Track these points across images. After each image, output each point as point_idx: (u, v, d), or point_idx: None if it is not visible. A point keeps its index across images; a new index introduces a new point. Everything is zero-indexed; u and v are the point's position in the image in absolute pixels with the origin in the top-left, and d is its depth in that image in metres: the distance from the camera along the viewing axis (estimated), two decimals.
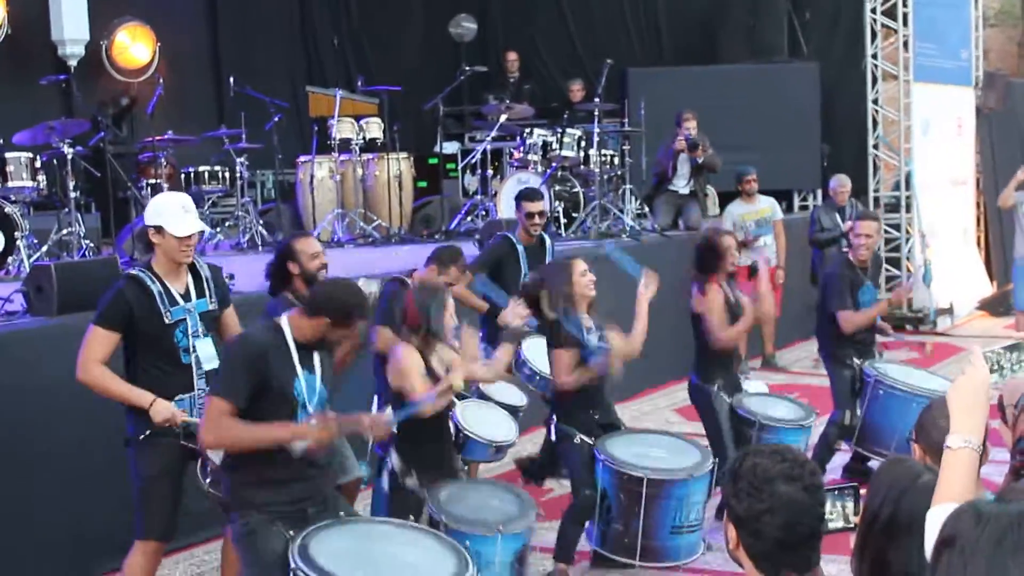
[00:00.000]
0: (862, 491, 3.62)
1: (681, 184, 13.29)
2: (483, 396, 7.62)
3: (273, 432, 5.09)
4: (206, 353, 5.97)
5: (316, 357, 5.30)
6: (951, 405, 3.18)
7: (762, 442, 7.18)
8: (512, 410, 7.57)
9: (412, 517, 5.57)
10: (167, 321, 5.89)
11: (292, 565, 4.74)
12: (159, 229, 5.94)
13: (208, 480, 5.87)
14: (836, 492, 3.76)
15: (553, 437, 6.85)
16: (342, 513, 5.28)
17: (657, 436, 7.12)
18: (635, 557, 6.47)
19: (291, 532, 4.97)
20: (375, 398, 6.87)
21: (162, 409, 5.76)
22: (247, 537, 5.11)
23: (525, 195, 9.43)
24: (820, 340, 9.16)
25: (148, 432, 5.82)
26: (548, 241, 9.51)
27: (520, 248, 9.19)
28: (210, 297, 6.09)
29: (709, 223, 13.20)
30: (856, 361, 8.60)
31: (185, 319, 5.93)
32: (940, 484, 3.11)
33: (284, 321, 5.24)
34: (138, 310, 5.83)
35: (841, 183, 13.50)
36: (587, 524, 6.64)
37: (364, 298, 5.51)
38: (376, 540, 5.12)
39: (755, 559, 3.13)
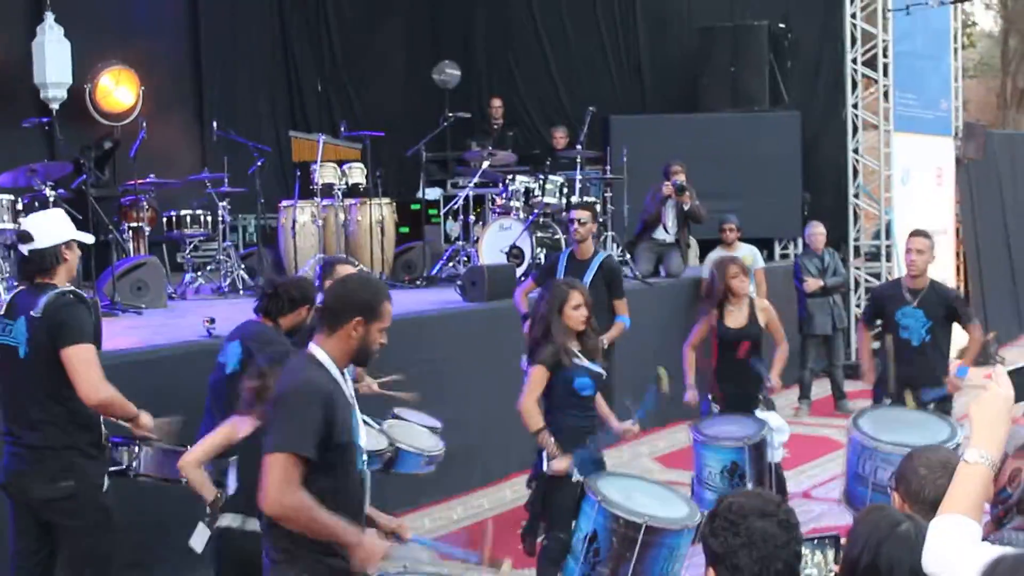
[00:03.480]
0: (842, 540, 3.63)
1: (666, 233, 13.29)
2: (398, 418, 7.60)
3: (345, 535, 4.45)
4: None
5: (350, 385, 4.72)
6: (973, 419, 3.23)
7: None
8: (432, 431, 7.59)
9: None
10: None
11: None
12: (69, 244, 5.87)
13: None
14: (816, 541, 3.77)
15: (546, 467, 6.79)
16: None
17: (641, 481, 7.11)
18: None
19: None
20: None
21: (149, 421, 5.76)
22: None
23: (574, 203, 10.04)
24: None
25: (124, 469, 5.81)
26: (599, 259, 9.88)
27: (563, 257, 9.79)
28: None
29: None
30: (886, 403, 8.49)
31: None
32: (950, 495, 3.16)
33: (318, 352, 4.59)
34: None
35: (814, 227, 13.61)
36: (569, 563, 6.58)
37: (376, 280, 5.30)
38: None
39: None
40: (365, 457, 4.75)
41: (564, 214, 13.12)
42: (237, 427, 5.43)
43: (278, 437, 4.40)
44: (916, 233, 9.05)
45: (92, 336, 5.70)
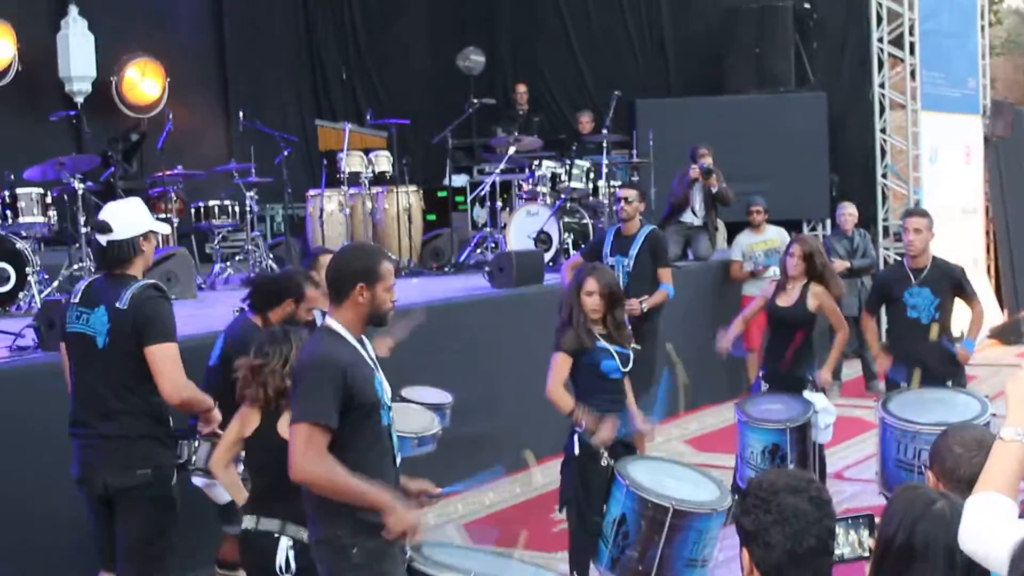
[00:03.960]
0: (876, 519, 3.61)
1: (694, 216, 13.24)
2: (403, 399, 7.59)
3: (376, 499, 4.59)
4: None
5: (369, 349, 4.91)
6: (1009, 396, 3.22)
7: None
8: (436, 407, 7.63)
9: None
10: None
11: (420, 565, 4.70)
12: (147, 235, 5.88)
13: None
14: (850, 521, 3.74)
15: (576, 450, 6.78)
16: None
17: (672, 465, 7.10)
18: None
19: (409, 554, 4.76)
20: None
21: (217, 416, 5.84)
22: (371, 566, 4.66)
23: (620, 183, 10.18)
24: None
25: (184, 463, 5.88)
26: (644, 231, 9.99)
27: (610, 232, 9.99)
28: None
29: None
30: (904, 386, 8.28)
31: None
32: (986, 473, 3.15)
33: (334, 323, 4.80)
34: None
35: (844, 208, 13.56)
36: (600, 546, 6.58)
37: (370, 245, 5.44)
38: (483, 556, 5.13)
39: None
40: (392, 413, 4.89)
41: (591, 199, 13.14)
42: (246, 422, 5.48)
43: (299, 409, 4.61)
44: (912, 213, 8.99)
45: (175, 334, 5.72)
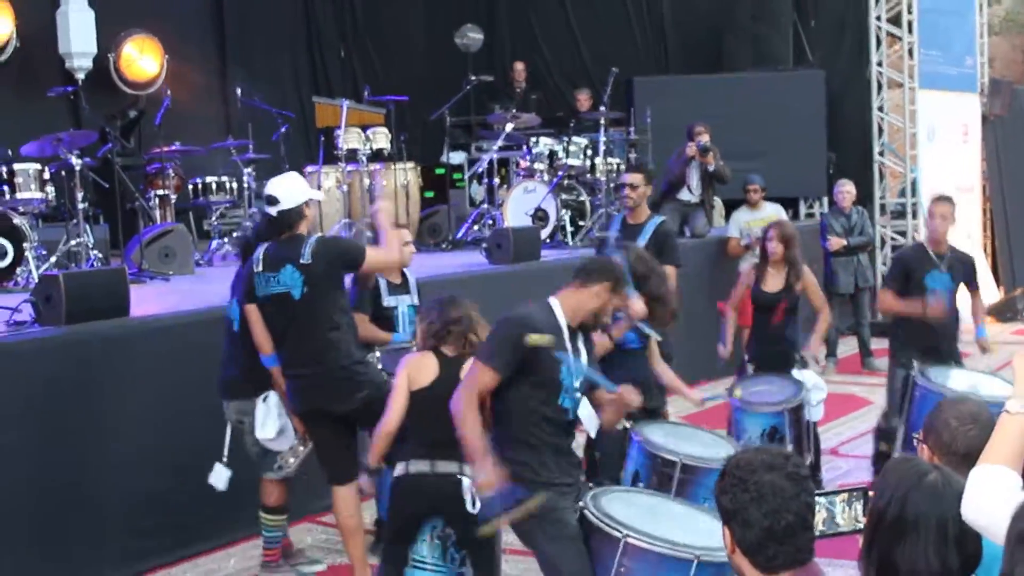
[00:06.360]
0: (871, 493, 3.63)
1: (690, 193, 13.21)
2: None
3: (478, 452, 5.16)
4: None
5: (580, 341, 5.42)
6: (1017, 370, 3.23)
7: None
8: None
9: None
10: None
11: (593, 516, 5.09)
12: (308, 202, 6.70)
13: None
14: (844, 495, 3.76)
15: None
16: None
17: (691, 429, 7.19)
18: None
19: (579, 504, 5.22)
20: None
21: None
22: (551, 512, 5.17)
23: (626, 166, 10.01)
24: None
25: None
26: (653, 223, 9.13)
27: (616, 222, 9.31)
28: None
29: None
30: (915, 364, 7.97)
31: None
32: (991, 445, 3.17)
33: (554, 302, 5.39)
34: None
35: (842, 185, 13.53)
36: None
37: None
38: (653, 505, 5.54)
39: (749, 554, 3.17)
40: (579, 395, 5.37)
41: (589, 176, 13.13)
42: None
43: (480, 349, 5.41)
44: (941, 199, 8.94)
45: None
